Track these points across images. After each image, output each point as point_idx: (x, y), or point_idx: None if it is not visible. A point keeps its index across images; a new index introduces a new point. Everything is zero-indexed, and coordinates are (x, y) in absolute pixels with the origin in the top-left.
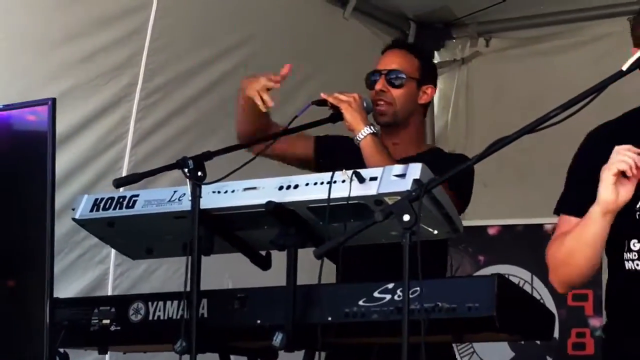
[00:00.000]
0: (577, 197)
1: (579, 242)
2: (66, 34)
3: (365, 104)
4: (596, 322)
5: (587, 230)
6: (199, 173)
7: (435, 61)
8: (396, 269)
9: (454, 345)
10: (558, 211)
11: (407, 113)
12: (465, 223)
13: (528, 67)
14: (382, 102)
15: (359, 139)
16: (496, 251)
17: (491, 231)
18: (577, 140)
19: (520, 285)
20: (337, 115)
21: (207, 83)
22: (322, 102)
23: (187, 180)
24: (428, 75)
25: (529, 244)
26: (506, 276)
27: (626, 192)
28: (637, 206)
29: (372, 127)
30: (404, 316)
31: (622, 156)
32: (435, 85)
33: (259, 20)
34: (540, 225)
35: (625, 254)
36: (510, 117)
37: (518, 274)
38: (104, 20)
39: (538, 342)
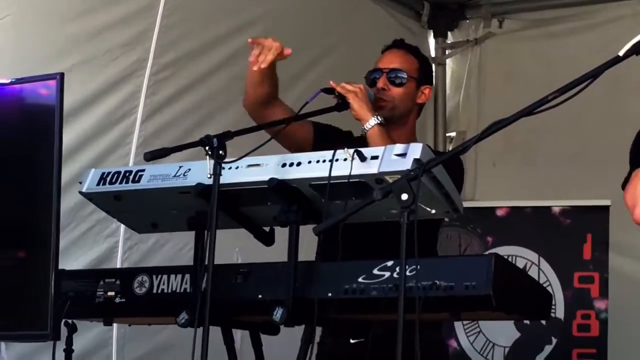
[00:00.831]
0: None
1: None
2: (79, 8)
3: (369, 95)
4: (601, 305)
5: None
6: (221, 152)
7: (449, 41)
8: (396, 247)
9: (461, 324)
10: (626, 181)
11: (404, 111)
12: (474, 204)
13: (540, 49)
14: (382, 99)
15: (367, 129)
16: (504, 232)
17: (500, 212)
18: (585, 123)
19: (527, 266)
20: (342, 104)
21: (218, 60)
22: (331, 90)
23: (207, 157)
24: (426, 75)
25: (537, 226)
26: (514, 257)
27: None
28: None
29: (378, 117)
30: (400, 293)
31: None
32: (432, 86)
33: None
34: (549, 208)
35: None
36: (521, 98)
37: (525, 255)
38: None
39: (544, 322)
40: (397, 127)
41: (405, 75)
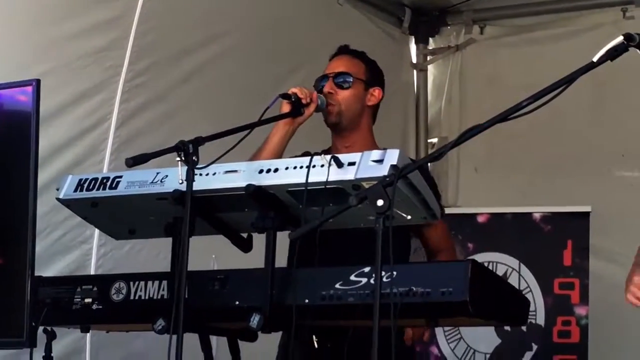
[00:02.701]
0: None
1: None
2: (53, 14)
3: (319, 102)
4: (582, 311)
5: None
6: (194, 158)
7: (430, 47)
8: (372, 254)
9: (442, 331)
10: None
11: (354, 114)
12: (455, 210)
13: (521, 55)
14: (330, 104)
15: None
16: (485, 239)
17: (481, 219)
18: (567, 131)
19: (508, 272)
20: (297, 110)
21: (194, 67)
22: (288, 96)
23: (179, 163)
24: (374, 77)
25: (518, 232)
26: (494, 263)
27: None
28: None
29: None
30: (375, 299)
31: None
32: (382, 88)
33: (250, 5)
34: (529, 214)
35: None
36: (503, 103)
37: (506, 262)
38: (91, 2)
39: (524, 328)
40: (350, 131)
41: (350, 78)
